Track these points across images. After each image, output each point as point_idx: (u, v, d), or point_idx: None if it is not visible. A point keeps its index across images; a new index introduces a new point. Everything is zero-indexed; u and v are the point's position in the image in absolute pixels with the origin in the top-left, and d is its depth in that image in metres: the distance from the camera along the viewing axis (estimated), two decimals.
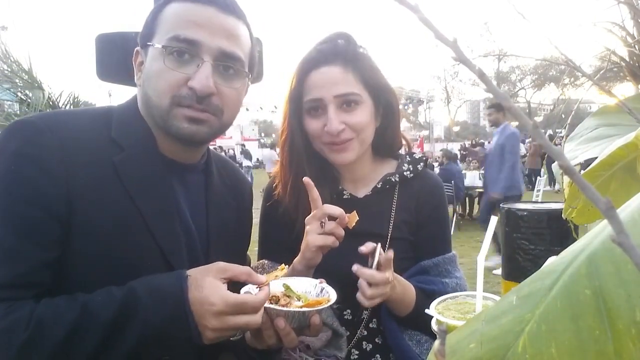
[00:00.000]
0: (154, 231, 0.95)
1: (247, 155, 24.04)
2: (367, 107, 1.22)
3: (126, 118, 1.02)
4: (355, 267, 1.02)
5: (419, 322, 1.18)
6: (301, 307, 0.96)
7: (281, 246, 1.27)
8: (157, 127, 1.01)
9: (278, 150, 1.34)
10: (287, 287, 1.02)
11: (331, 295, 1.01)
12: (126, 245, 0.92)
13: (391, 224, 1.26)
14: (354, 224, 1.08)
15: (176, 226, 1.00)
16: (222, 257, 1.03)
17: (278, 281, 1.01)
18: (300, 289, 1.04)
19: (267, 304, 0.93)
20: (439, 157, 10.74)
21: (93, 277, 0.89)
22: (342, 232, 1.08)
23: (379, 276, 1.01)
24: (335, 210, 1.07)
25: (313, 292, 1.04)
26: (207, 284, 0.85)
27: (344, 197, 1.30)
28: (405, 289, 1.16)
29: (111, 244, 0.91)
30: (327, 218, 1.08)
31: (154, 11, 1.00)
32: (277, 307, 0.95)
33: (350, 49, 1.22)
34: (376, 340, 1.24)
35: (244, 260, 1.27)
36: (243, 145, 30.91)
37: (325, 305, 0.97)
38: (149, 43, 0.98)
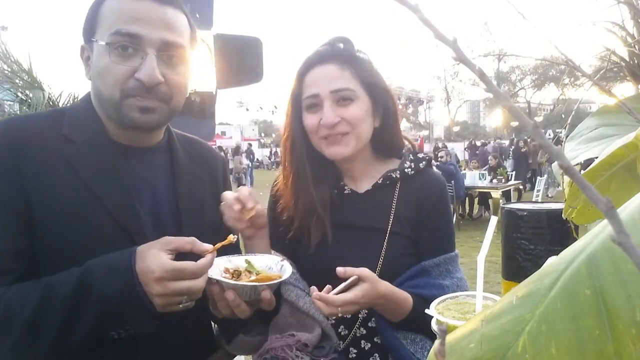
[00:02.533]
0: (114, 213, 1.02)
1: (248, 155, 24.01)
2: (363, 104, 1.24)
3: (78, 114, 1.09)
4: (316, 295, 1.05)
5: (414, 326, 1.19)
6: (252, 281, 1.01)
7: (279, 241, 1.28)
8: (110, 118, 1.07)
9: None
10: (249, 263, 1.08)
11: (286, 272, 1.06)
12: (89, 231, 0.99)
13: (391, 219, 1.27)
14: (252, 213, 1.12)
15: (136, 206, 1.06)
16: (196, 229, 1.09)
17: (242, 257, 1.09)
18: (262, 265, 1.09)
19: (221, 277, 0.99)
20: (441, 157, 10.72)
21: (62, 265, 0.95)
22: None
23: (333, 302, 1.05)
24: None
25: (274, 269, 1.09)
26: (150, 255, 0.91)
27: (345, 192, 1.32)
28: (398, 303, 1.16)
29: (74, 232, 0.98)
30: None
31: (92, 7, 1.05)
32: (228, 280, 1.00)
33: (348, 50, 1.26)
34: (375, 339, 1.24)
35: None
36: (250, 145, 31.08)
37: (276, 281, 1.02)
38: (92, 39, 1.03)
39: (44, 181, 0.98)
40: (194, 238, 0.96)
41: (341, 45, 1.27)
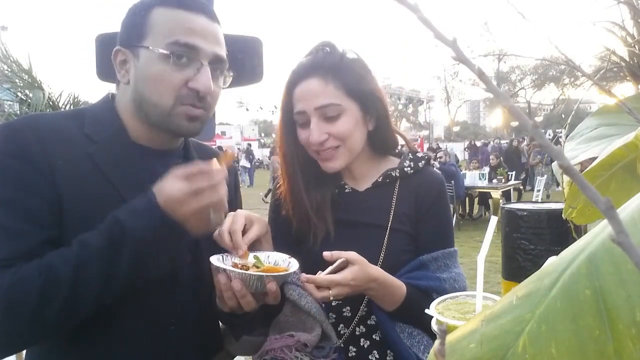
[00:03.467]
0: None
1: (248, 155, 24.04)
2: (351, 116, 1.24)
3: (98, 115, 1.12)
4: (304, 278, 1.07)
5: (410, 317, 1.20)
6: (258, 271, 1.02)
7: (281, 240, 1.29)
8: (149, 122, 1.09)
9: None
10: (257, 259, 1.09)
11: (292, 267, 1.07)
12: None
13: (391, 216, 1.28)
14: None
15: None
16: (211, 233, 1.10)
17: (250, 254, 1.10)
18: (270, 261, 1.11)
19: (229, 267, 1.01)
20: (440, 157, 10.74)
21: None
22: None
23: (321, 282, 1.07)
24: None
25: (282, 265, 1.10)
26: (166, 185, 0.95)
27: (346, 190, 1.34)
28: (390, 288, 1.17)
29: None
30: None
31: (137, 12, 1.06)
32: (235, 269, 1.01)
33: (330, 60, 1.24)
34: (373, 336, 1.25)
35: None
36: (249, 145, 31.12)
37: (282, 274, 1.03)
38: (139, 44, 1.05)
39: (70, 176, 1.00)
40: (199, 164, 0.98)
41: (323, 53, 1.25)
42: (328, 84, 1.21)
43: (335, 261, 1.09)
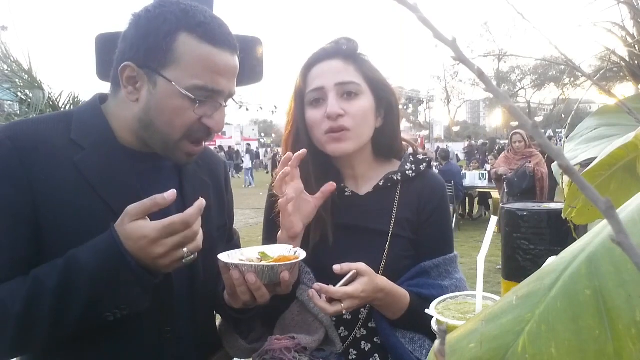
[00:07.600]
0: None
1: (252, 155, 24.11)
2: (368, 99, 1.25)
3: (86, 119, 1.08)
4: (311, 293, 1.07)
5: (412, 324, 1.20)
6: (270, 261, 1.04)
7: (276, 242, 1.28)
8: (130, 130, 1.07)
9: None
10: (262, 254, 1.10)
11: (301, 255, 1.07)
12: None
13: (392, 221, 1.27)
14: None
15: None
16: (204, 232, 1.09)
17: (254, 249, 1.12)
18: (275, 254, 1.11)
19: (239, 262, 1.02)
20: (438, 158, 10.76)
21: None
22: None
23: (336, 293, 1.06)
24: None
25: (289, 255, 1.11)
26: (131, 228, 0.91)
27: (346, 193, 1.31)
28: (396, 297, 1.17)
29: (83, 238, 0.94)
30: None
31: (161, 35, 0.99)
32: (247, 262, 1.02)
33: (352, 48, 1.27)
34: (375, 339, 1.24)
35: (230, 235, 1.34)
36: (248, 145, 31.08)
37: (293, 262, 1.04)
38: (160, 72, 0.99)
39: (53, 187, 0.97)
40: (155, 196, 0.93)
41: (345, 43, 1.28)
42: (349, 65, 1.24)
43: (345, 273, 1.08)
